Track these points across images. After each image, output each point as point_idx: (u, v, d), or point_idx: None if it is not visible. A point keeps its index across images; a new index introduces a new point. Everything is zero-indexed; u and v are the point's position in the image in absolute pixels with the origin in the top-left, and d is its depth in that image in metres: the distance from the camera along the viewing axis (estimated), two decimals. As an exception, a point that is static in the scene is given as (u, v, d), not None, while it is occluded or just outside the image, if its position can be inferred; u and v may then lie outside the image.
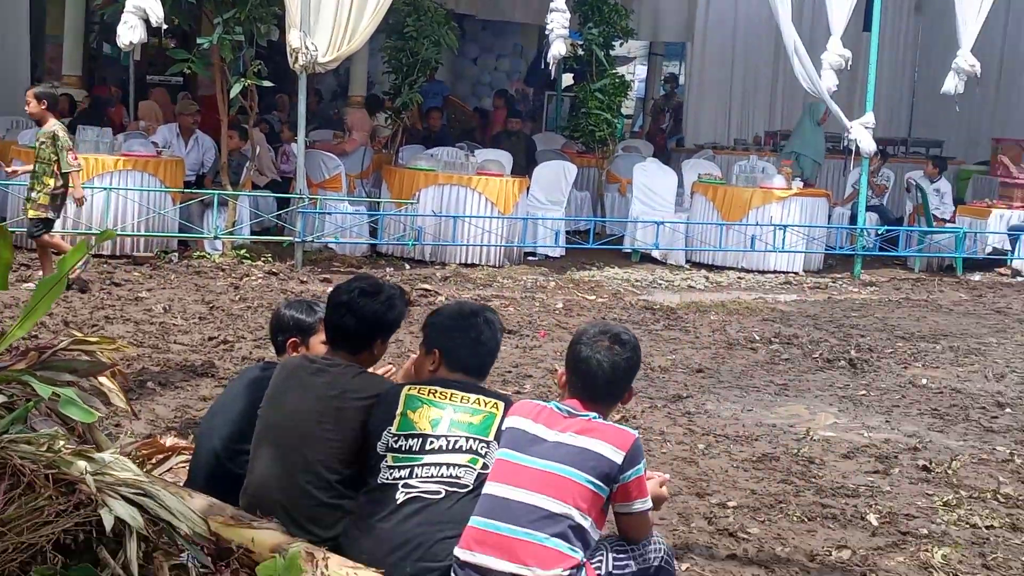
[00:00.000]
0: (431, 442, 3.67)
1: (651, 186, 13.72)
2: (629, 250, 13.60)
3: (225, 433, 4.19)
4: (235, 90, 11.14)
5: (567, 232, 13.61)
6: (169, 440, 4.79)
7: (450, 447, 3.67)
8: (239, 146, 11.86)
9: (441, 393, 3.76)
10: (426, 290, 10.56)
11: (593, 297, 11.04)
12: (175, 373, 7.32)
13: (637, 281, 12.20)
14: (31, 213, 9.41)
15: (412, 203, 12.19)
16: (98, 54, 19.01)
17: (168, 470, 4.61)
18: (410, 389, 3.80)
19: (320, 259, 11.75)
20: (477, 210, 12.23)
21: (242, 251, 11.49)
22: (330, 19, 11.10)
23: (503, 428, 3.65)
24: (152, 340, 8.09)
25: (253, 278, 10.58)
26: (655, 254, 13.48)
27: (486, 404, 3.75)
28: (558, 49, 11.75)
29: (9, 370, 4.23)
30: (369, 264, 11.86)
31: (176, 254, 11.31)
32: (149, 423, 6.20)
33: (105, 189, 10.86)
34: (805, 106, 14.69)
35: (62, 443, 3.62)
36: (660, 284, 12.22)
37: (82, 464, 3.53)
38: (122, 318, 8.69)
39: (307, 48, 10.90)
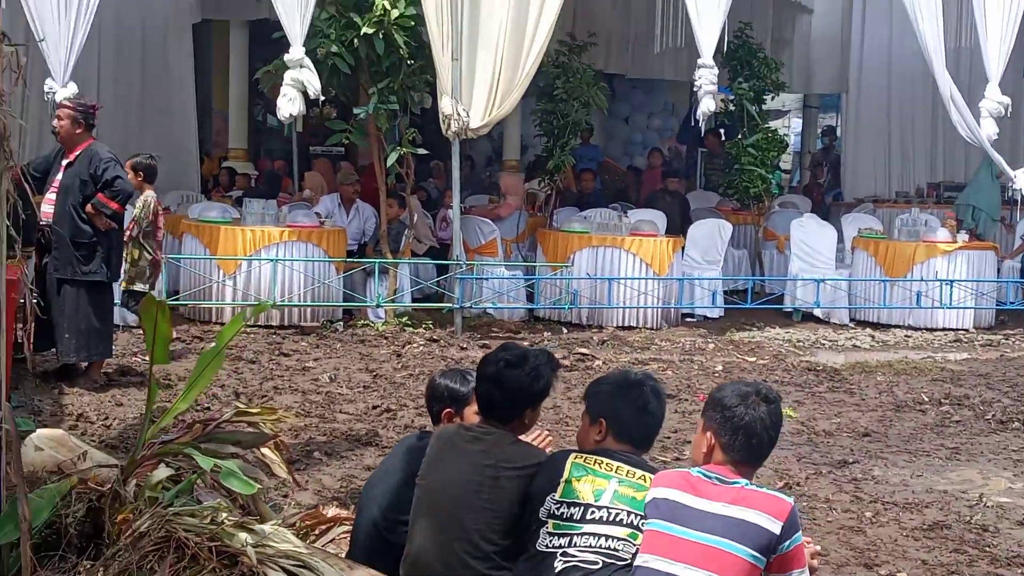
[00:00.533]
0: (592, 512, 3.65)
1: (810, 242, 13.49)
2: (790, 309, 13.35)
3: (384, 503, 4.23)
4: (391, 159, 11.39)
5: (725, 292, 13.44)
6: (331, 510, 4.86)
7: (610, 519, 3.64)
8: (398, 214, 12.09)
9: (608, 464, 3.75)
10: (584, 354, 10.53)
11: (753, 359, 10.85)
12: (340, 442, 7.44)
13: (799, 341, 11.96)
14: (123, 286, 9.52)
15: (567, 266, 12.22)
16: (262, 126, 19.69)
17: (330, 541, 4.67)
18: (576, 457, 3.80)
19: (479, 324, 11.83)
20: (632, 271, 12.19)
21: (404, 318, 11.65)
22: (481, 85, 11.28)
23: (650, 499, 3.60)
24: (319, 410, 8.24)
25: (415, 345, 10.71)
26: (817, 312, 13.21)
27: (647, 480, 3.71)
28: (707, 105, 11.69)
29: (176, 443, 4.36)
30: (527, 329, 11.90)
31: (341, 323, 11.53)
32: (316, 493, 6.31)
33: (271, 260, 11.16)
34: (984, 158, 14.17)
35: (225, 515, 3.70)
36: (823, 344, 11.96)
37: (243, 536, 3.61)
38: (290, 388, 8.89)
39: (459, 115, 11.09)
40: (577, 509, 3.67)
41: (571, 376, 9.50)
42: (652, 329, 12.16)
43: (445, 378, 4.43)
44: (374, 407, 8.35)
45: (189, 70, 15.96)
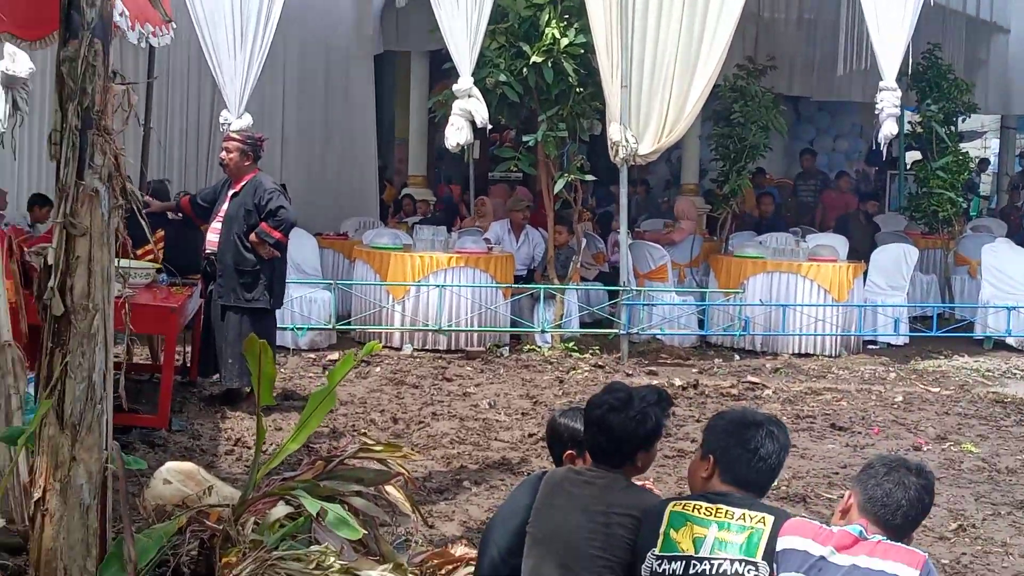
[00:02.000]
0: (694, 566, 3.42)
1: (1002, 268, 12.80)
2: (980, 337, 12.68)
3: (504, 545, 4.08)
4: (558, 185, 11.32)
5: (910, 319, 12.86)
6: (460, 549, 4.75)
7: (713, 571, 3.41)
8: (566, 240, 11.99)
9: (706, 509, 3.51)
10: (753, 383, 10.21)
11: (937, 389, 10.32)
12: (492, 472, 7.35)
13: (988, 371, 11.32)
14: None
15: (739, 292, 11.89)
16: (443, 153, 19.87)
17: (457, 582, 4.57)
18: (675, 505, 3.58)
19: (648, 351, 11.61)
20: (809, 298, 11.77)
21: (570, 344, 11.54)
22: (650, 112, 11.09)
23: (780, 548, 3.36)
24: (474, 437, 8.19)
25: (579, 371, 10.58)
26: (1010, 341, 12.50)
27: (752, 519, 3.46)
28: (889, 129, 11.19)
29: (297, 479, 4.34)
30: (697, 355, 11.61)
31: (507, 348, 11.49)
32: (461, 524, 6.23)
33: (438, 286, 11.21)
34: None
35: (333, 559, 3.64)
36: (1015, 374, 11.28)
37: (348, 581, 3.54)
38: (448, 414, 8.87)
39: (627, 141, 10.93)
40: (679, 564, 3.45)
41: (738, 405, 9.19)
42: (830, 357, 11.71)
43: (566, 418, 4.27)
44: (530, 435, 8.24)
45: (370, 99, 16.25)
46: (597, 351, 11.40)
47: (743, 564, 3.40)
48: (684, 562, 3.45)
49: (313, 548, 3.68)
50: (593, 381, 10.19)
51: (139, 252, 8.87)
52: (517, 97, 11.27)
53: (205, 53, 10.66)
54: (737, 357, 11.58)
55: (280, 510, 4.07)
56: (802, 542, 3.32)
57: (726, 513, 3.49)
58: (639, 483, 3.95)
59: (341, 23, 15.73)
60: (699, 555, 3.44)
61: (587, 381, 10.17)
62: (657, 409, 3.82)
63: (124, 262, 8.29)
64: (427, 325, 11.25)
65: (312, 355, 10.86)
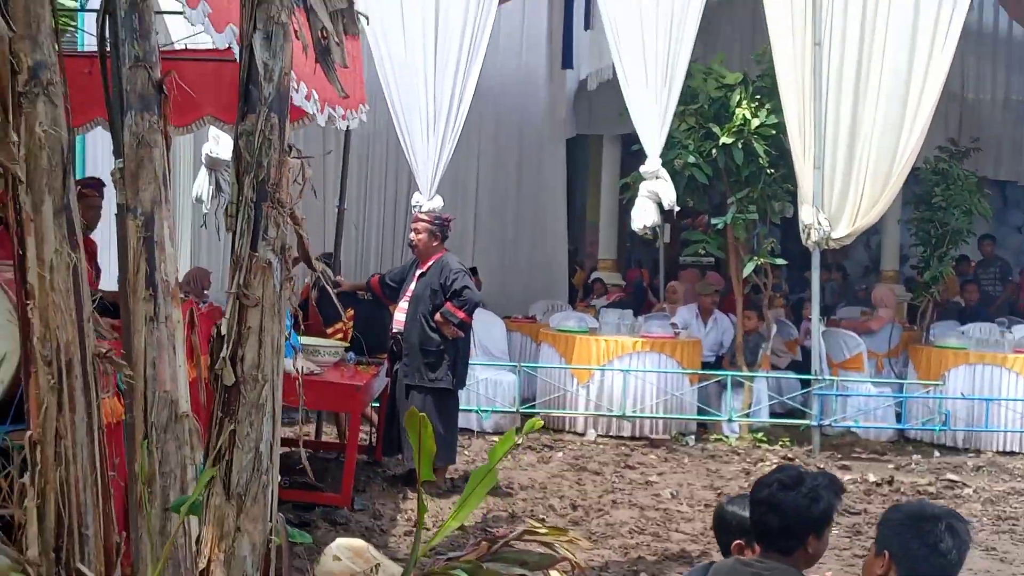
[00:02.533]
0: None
1: None
2: None
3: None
4: (747, 269, 11.08)
5: None
6: (626, 641, 4.58)
7: None
8: (756, 326, 11.71)
9: (880, 613, 3.29)
10: (952, 481, 9.68)
11: None
12: (670, 564, 7.14)
13: None
14: None
15: (939, 384, 11.35)
16: (634, 237, 19.78)
17: (622, 674, 4.39)
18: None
19: (842, 444, 11.17)
20: (1015, 392, 11.14)
21: (759, 434, 11.22)
22: (844, 194, 10.79)
23: None
24: (653, 527, 7.98)
25: (767, 463, 10.22)
26: None
27: None
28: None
29: (461, 560, 4.25)
30: (894, 450, 11.10)
31: (693, 436, 11.24)
32: (636, 616, 6.06)
33: (623, 371, 11.07)
34: None
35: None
36: None
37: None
38: (629, 502, 8.68)
39: (820, 224, 10.64)
40: None
41: (935, 504, 8.71)
42: (1038, 456, 11.05)
43: (734, 505, 4.08)
44: (712, 528, 7.96)
45: (562, 182, 16.37)
46: (787, 443, 11.04)
47: None
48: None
49: (469, 634, 3.58)
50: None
51: (329, 331, 9.05)
52: (706, 179, 11.17)
53: (399, 137, 10.91)
54: (937, 454, 11.02)
55: (447, 592, 3.98)
56: None
57: None
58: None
59: (535, 105, 15.92)
60: None
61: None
62: (829, 491, 3.62)
63: (313, 340, 8.52)
64: (611, 410, 11.11)
65: (496, 438, 10.79)
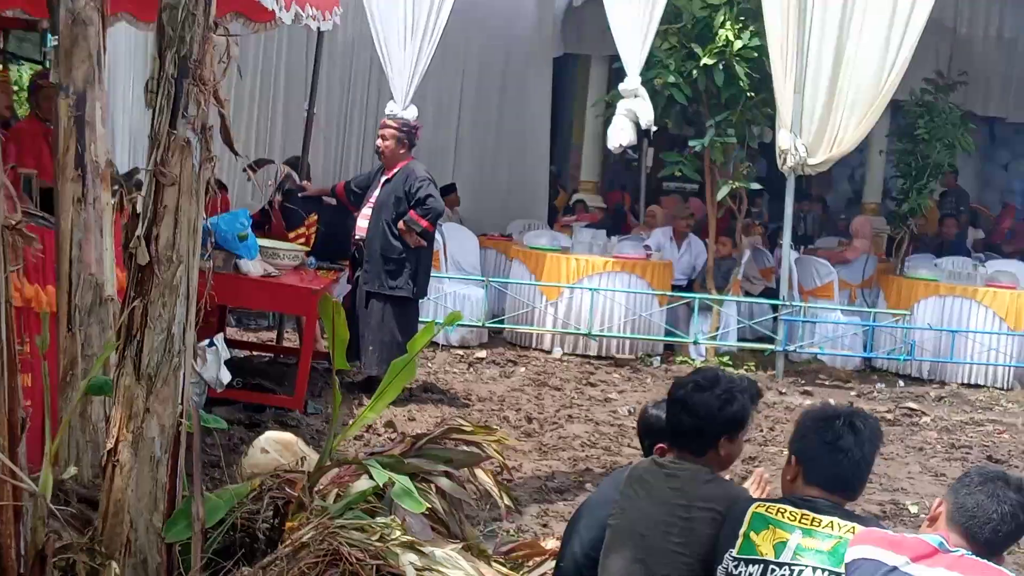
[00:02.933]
0: (772, 570, 3.18)
1: None
2: None
3: (586, 539, 3.90)
4: (721, 193, 11.01)
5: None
6: (551, 543, 4.58)
7: None
8: (729, 252, 11.66)
9: (791, 513, 3.26)
10: (912, 409, 9.71)
11: (1119, 428, 9.63)
12: (616, 476, 7.15)
13: None
14: None
15: (906, 314, 11.34)
16: (618, 160, 19.62)
17: (543, 575, 4.40)
18: (758, 506, 3.33)
19: (807, 371, 11.19)
20: (983, 325, 11.14)
21: (725, 358, 11.21)
22: (822, 120, 10.66)
23: (850, 558, 3.08)
24: (605, 442, 8.01)
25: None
26: None
27: (841, 528, 3.20)
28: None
29: (385, 455, 4.24)
30: (859, 378, 11.12)
31: (658, 358, 11.24)
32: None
33: (591, 290, 11.03)
34: None
35: (399, 534, 3.52)
36: None
37: (409, 556, 3.41)
38: (584, 417, 8.70)
39: (796, 149, 10.54)
40: (756, 567, 3.21)
41: (891, 431, 8.75)
42: (1001, 389, 11.06)
43: (658, 408, 4.06)
44: (636, 431, 7.99)
45: (546, 102, 16.16)
46: (752, 367, 11.04)
47: (826, 573, 3.13)
48: (762, 566, 3.21)
49: (378, 519, 3.57)
50: (744, 396, 9.83)
51: (292, 235, 8.99)
52: (685, 100, 11.02)
53: (375, 44, 10.75)
54: (901, 383, 11.05)
55: (364, 483, 3.98)
56: (874, 551, 3.04)
57: (812, 520, 3.24)
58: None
59: (523, 21, 15.65)
60: (778, 560, 3.20)
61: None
62: (745, 395, 3.60)
63: (273, 242, 8.45)
64: (578, 329, 11.09)
65: (461, 351, 10.81)
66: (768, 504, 3.34)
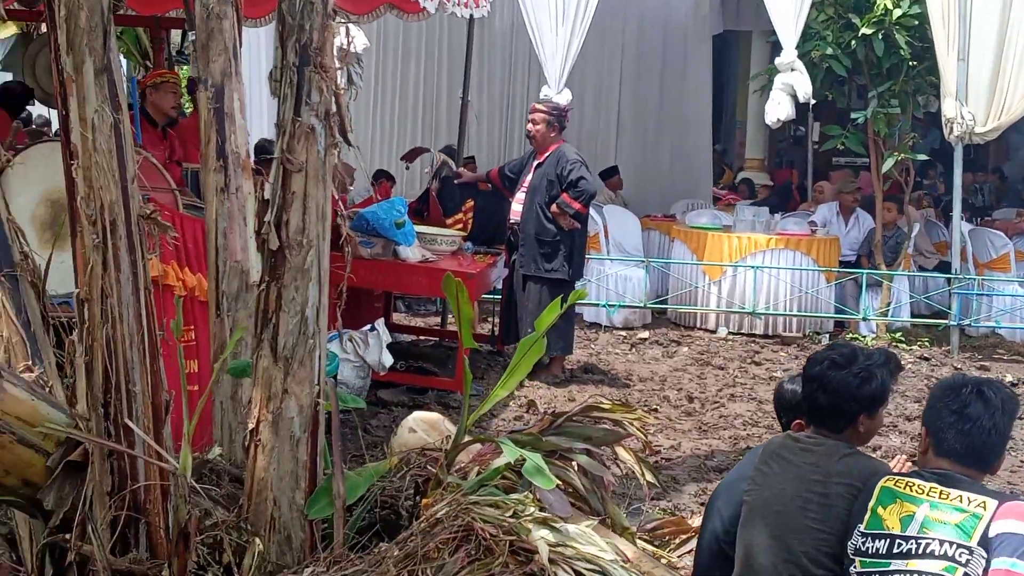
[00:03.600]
0: (898, 544, 3.07)
1: None
2: None
3: (727, 515, 3.84)
4: (886, 165, 10.67)
5: None
6: (696, 520, 4.52)
7: (919, 551, 3.04)
8: (895, 219, 11.31)
9: (919, 487, 3.14)
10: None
11: None
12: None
13: None
14: None
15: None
16: (785, 137, 19.23)
17: (688, 552, 4.36)
18: (887, 480, 3.22)
19: (984, 345, 10.76)
20: None
21: (898, 334, 10.87)
22: (989, 87, 10.22)
23: (994, 533, 2.95)
24: (768, 420, 7.85)
25: (903, 363, 9.92)
26: None
27: (971, 503, 3.07)
28: None
29: (524, 433, 4.25)
30: (1040, 353, 10.66)
31: (827, 335, 10.97)
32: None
33: (755, 268, 10.84)
34: None
35: (532, 510, 3.52)
36: None
37: (543, 533, 3.41)
38: (748, 396, 8.57)
39: (962, 118, 10.13)
40: (883, 542, 3.10)
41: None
42: None
43: (795, 383, 3.95)
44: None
45: (707, 80, 15.93)
46: (927, 343, 10.67)
47: (954, 547, 3.02)
48: (888, 540, 3.11)
49: (512, 496, 3.58)
50: (916, 374, 9.55)
51: (449, 221, 9.09)
52: (844, 71, 10.72)
53: (528, 30, 10.79)
54: (1084, 357, 10.54)
55: (501, 460, 3.99)
56: (1020, 525, 2.90)
57: (940, 493, 3.12)
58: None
59: (677, 2, 15.50)
60: (905, 534, 3.09)
61: (908, 373, 9.51)
62: (884, 370, 3.47)
63: (431, 229, 8.58)
64: (743, 308, 10.92)
65: (623, 333, 10.76)
66: (897, 478, 3.24)
